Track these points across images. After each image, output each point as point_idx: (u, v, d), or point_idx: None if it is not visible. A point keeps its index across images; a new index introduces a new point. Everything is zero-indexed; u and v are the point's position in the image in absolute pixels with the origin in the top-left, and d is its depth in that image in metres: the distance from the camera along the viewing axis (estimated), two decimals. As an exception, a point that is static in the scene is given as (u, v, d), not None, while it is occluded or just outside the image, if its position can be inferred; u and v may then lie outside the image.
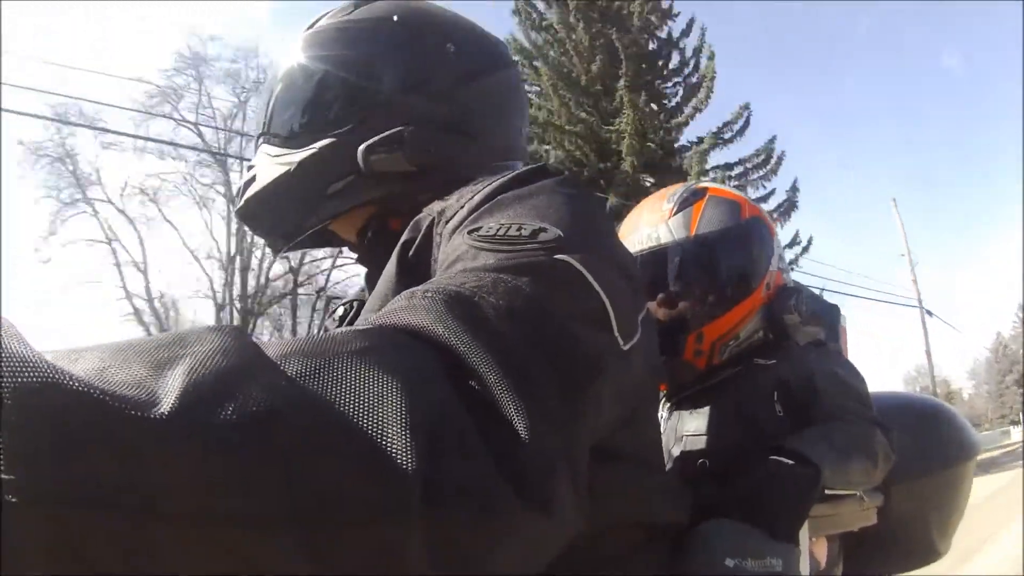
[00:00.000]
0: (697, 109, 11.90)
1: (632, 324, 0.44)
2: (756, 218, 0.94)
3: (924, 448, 0.96)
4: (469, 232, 0.44)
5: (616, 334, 0.41)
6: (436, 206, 0.52)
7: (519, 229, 0.42)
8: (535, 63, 12.09)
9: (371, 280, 0.66)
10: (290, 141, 0.65)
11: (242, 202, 0.67)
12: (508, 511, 0.29)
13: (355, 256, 0.71)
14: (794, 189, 12.17)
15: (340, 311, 0.70)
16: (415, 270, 0.50)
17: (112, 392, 0.21)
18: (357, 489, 0.24)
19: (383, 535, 0.24)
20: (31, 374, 0.19)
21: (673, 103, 12.26)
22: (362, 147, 0.60)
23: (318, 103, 0.64)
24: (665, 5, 12.45)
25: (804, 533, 0.67)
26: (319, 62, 0.65)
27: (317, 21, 0.67)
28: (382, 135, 0.60)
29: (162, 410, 0.21)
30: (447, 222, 0.49)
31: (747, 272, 0.90)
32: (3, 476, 0.18)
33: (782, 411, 0.84)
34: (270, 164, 0.65)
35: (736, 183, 11.80)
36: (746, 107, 12.10)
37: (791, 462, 0.71)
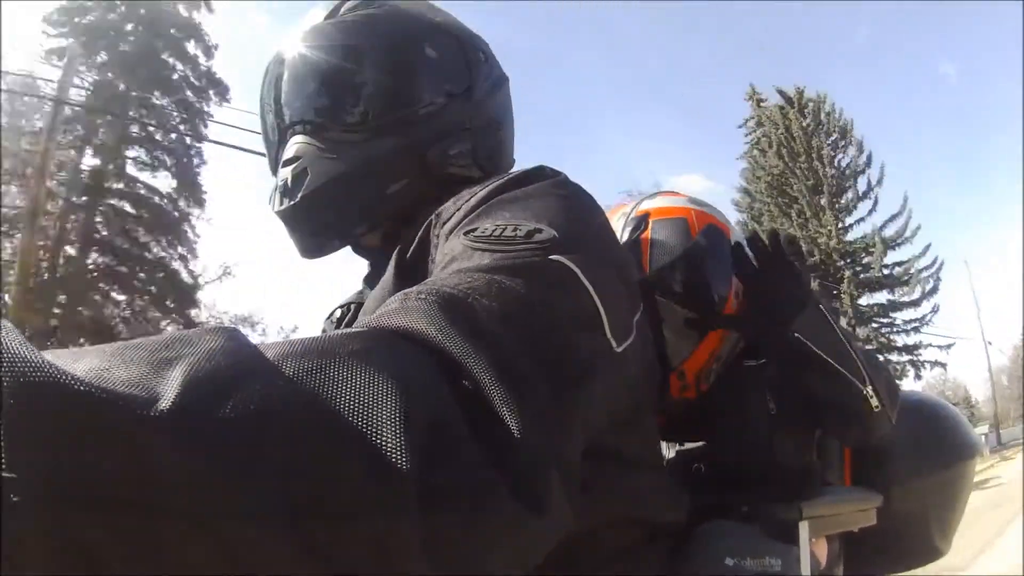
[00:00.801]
0: (900, 234, 18.76)
1: (626, 325, 0.44)
2: (707, 227, 0.87)
3: (924, 447, 0.96)
4: (465, 233, 0.44)
5: (609, 336, 0.41)
6: (433, 208, 0.52)
7: (515, 230, 0.42)
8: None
9: (369, 283, 0.66)
10: (347, 135, 0.61)
11: (297, 198, 0.61)
12: (502, 511, 0.29)
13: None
14: (938, 279, 18.76)
15: (338, 313, 0.70)
16: (413, 271, 0.50)
17: (112, 391, 0.21)
18: (354, 489, 0.24)
19: (380, 534, 0.24)
20: (33, 374, 0.20)
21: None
22: (437, 152, 0.61)
23: (381, 98, 0.61)
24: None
25: (804, 533, 0.67)
26: (366, 54, 0.61)
27: (339, 8, 0.65)
28: (453, 141, 0.61)
29: (161, 409, 0.21)
30: (444, 223, 0.49)
31: (711, 294, 0.85)
32: (5, 475, 0.18)
33: (775, 409, 0.83)
34: (322, 158, 0.60)
35: (906, 281, 18.37)
36: (917, 228, 18.89)
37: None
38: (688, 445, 0.87)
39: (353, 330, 0.33)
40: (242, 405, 0.23)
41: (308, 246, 0.64)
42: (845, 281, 17.62)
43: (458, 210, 0.49)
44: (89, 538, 0.19)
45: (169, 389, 0.22)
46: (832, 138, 18.86)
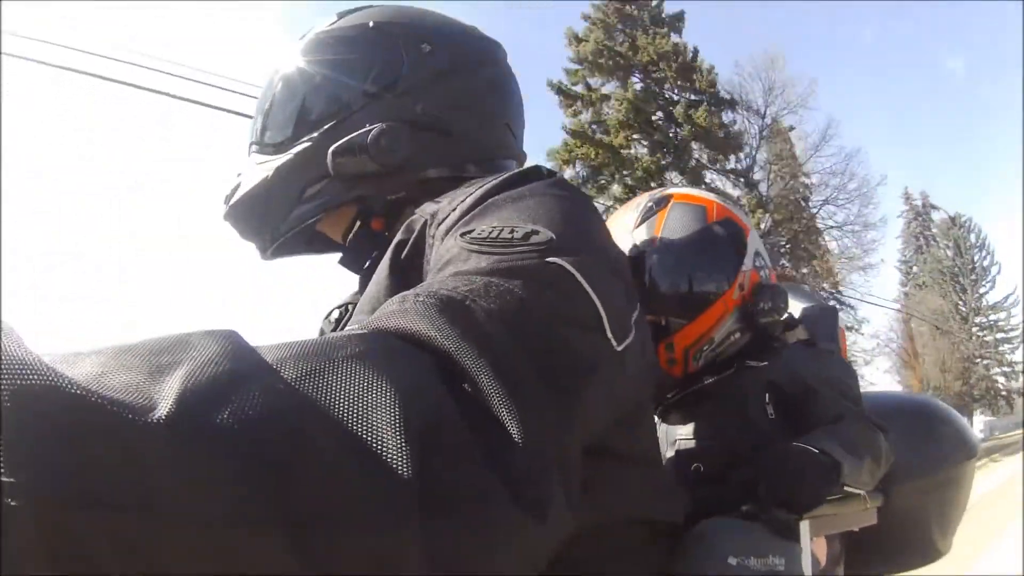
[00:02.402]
0: (1012, 302, 30.92)
1: (625, 325, 0.44)
2: (725, 219, 0.90)
3: (924, 447, 0.96)
4: (462, 235, 0.44)
5: (609, 335, 0.41)
6: (429, 208, 0.52)
7: (511, 231, 0.42)
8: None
9: (363, 282, 0.66)
10: (273, 148, 0.67)
11: (228, 206, 0.69)
12: (503, 516, 0.29)
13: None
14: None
15: (335, 314, 0.70)
16: (407, 272, 0.50)
17: (110, 397, 0.21)
18: (352, 495, 0.24)
19: (379, 541, 0.24)
20: (31, 377, 0.19)
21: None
22: (330, 150, 0.61)
23: (297, 110, 0.66)
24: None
25: (806, 532, 0.67)
26: (298, 71, 0.67)
27: (306, 34, 0.69)
28: (348, 137, 0.61)
29: (159, 415, 0.21)
30: (440, 224, 0.49)
31: (715, 276, 0.87)
32: (3, 479, 0.18)
33: (773, 413, 0.83)
34: (254, 170, 0.67)
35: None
36: (1018, 300, 30.38)
37: (816, 449, 0.71)
38: (681, 437, 0.88)
39: (352, 332, 0.33)
40: (240, 411, 0.23)
41: (257, 248, 0.71)
42: (992, 330, 29.66)
43: (453, 210, 0.49)
44: (87, 543, 0.19)
45: (167, 395, 0.22)
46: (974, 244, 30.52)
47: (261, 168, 0.66)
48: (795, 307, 1.03)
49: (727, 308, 0.87)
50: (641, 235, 0.87)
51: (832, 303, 1.12)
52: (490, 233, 0.42)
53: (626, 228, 0.89)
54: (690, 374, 0.88)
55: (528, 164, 0.72)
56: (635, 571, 0.51)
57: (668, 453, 0.88)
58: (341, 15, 0.69)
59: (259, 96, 0.71)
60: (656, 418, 0.93)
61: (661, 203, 0.90)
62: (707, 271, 0.87)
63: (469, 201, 0.49)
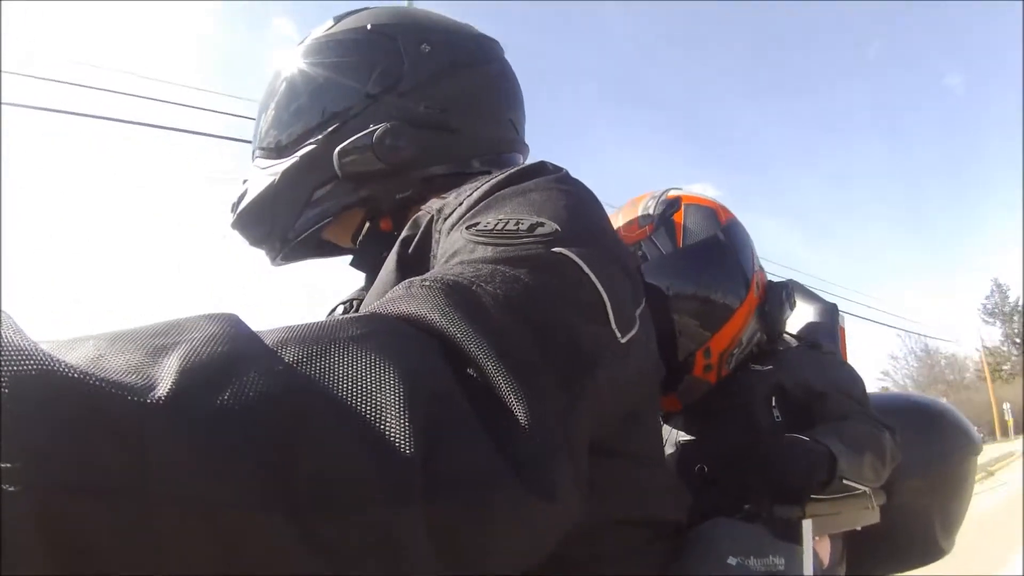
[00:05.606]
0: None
1: (630, 318, 0.44)
2: (733, 220, 0.92)
3: (926, 446, 0.96)
4: (468, 227, 0.44)
5: (613, 327, 0.41)
6: (435, 203, 0.53)
7: (517, 224, 0.43)
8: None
9: (369, 283, 0.67)
10: (277, 153, 0.67)
11: (235, 215, 0.69)
12: (510, 497, 0.28)
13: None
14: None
15: (340, 309, 0.71)
16: (414, 266, 0.50)
17: (107, 379, 0.21)
18: (355, 476, 0.24)
19: (382, 522, 0.24)
20: (28, 363, 0.19)
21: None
22: (336, 150, 0.62)
23: (300, 114, 0.67)
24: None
25: (807, 532, 0.67)
26: (299, 76, 0.67)
27: (305, 39, 0.70)
28: (353, 137, 0.62)
29: (158, 395, 0.21)
30: (446, 219, 0.49)
31: (740, 277, 0.89)
32: (2, 464, 0.18)
33: (780, 416, 0.84)
34: (260, 176, 0.67)
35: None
36: None
37: (808, 439, 0.72)
38: (685, 438, 0.88)
39: (355, 316, 0.33)
40: (241, 391, 0.23)
41: (267, 254, 0.71)
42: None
43: (460, 205, 0.49)
44: (85, 527, 0.19)
45: (165, 376, 0.22)
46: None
47: (266, 173, 0.66)
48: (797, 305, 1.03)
49: (751, 307, 0.89)
50: (663, 239, 0.87)
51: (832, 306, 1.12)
52: (496, 225, 0.43)
53: (641, 231, 0.89)
54: (715, 384, 0.88)
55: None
56: (637, 571, 0.50)
57: (672, 454, 0.88)
58: (337, 19, 0.70)
59: (260, 102, 0.71)
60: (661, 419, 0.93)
61: (673, 206, 0.90)
62: (734, 272, 0.89)
63: (475, 195, 0.49)
